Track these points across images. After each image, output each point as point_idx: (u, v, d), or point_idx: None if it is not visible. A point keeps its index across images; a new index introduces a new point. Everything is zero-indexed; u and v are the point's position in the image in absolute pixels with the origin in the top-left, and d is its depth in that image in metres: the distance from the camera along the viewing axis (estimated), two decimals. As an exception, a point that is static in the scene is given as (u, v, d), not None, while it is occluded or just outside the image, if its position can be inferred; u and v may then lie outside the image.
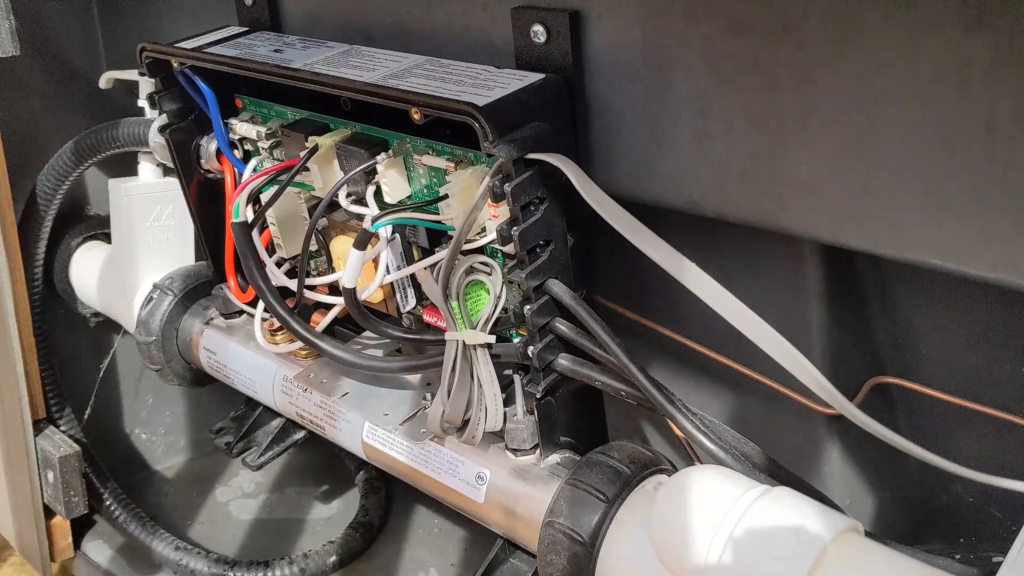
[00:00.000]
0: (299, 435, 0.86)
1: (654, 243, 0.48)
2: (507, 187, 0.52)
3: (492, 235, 0.57)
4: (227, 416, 0.90)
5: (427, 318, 0.70)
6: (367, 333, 0.76)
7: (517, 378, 0.62)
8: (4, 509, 0.96)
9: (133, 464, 1.10)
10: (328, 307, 0.71)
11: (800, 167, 0.50)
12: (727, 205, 0.54)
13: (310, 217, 0.73)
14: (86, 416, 1.02)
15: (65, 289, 0.99)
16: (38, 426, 0.94)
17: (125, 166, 0.91)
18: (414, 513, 1.01)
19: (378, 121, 0.66)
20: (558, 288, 0.56)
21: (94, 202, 1.01)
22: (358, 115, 0.69)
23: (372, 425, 0.69)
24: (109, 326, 1.02)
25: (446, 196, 0.59)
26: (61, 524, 0.96)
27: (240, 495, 1.09)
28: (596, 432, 0.66)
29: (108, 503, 0.97)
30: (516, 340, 0.60)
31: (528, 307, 0.56)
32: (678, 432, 0.57)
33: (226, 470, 1.12)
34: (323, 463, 1.09)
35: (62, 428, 0.97)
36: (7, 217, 0.89)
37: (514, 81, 0.56)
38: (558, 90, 0.56)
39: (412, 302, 0.69)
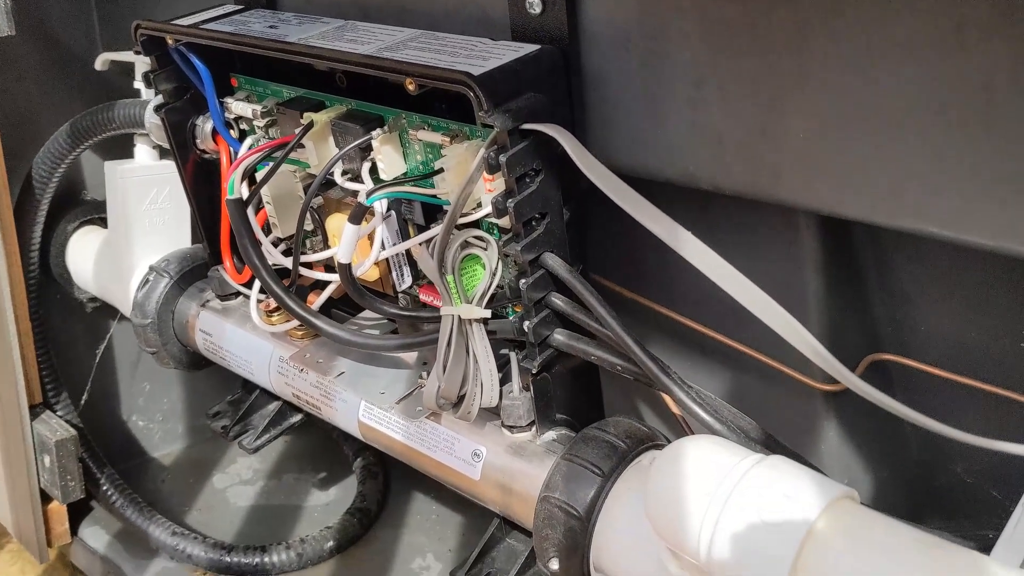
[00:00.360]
0: (296, 418, 0.86)
1: (651, 214, 0.48)
2: (502, 158, 0.52)
3: (487, 208, 0.56)
4: (224, 400, 0.90)
5: (423, 297, 0.70)
6: (364, 313, 0.76)
7: (513, 354, 0.62)
8: (0, 495, 0.95)
9: (130, 450, 1.10)
10: (324, 286, 0.71)
11: (796, 136, 0.50)
12: (722, 177, 0.53)
13: (305, 195, 0.73)
14: (83, 402, 1.02)
15: (61, 274, 0.99)
16: (34, 411, 0.94)
17: (121, 149, 0.91)
18: (412, 499, 1.01)
19: (373, 98, 0.65)
20: (554, 261, 0.56)
21: (90, 186, 1.00)
22: (353, 91, 0.68)
23: (368, 404, 0.68)
24: (106, 311, 1.02)
25: (441, 170, 0.58)
26: (58, 509, 0.96)
27: (238, 481, 1.08)
28: (592, 409, 0.66)
29: (105, 488, 0.97)
30: (512, 316, 0.60)
31: (524, 281, 0.56)
32: (674, 407, 0.57)
33: (224, 456, 1.12)
34: (321, 449, 1.09)
35: (59, 413, 0.97)
36: (3, 201, 0.88)
37: (509, 52, 0.56)
38: (553, 61, 0.56)
39: (408, 280, 0.69)
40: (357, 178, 0.65)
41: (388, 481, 1.04)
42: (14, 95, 0.92)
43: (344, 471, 1.07)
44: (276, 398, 0.85)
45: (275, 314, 0.77)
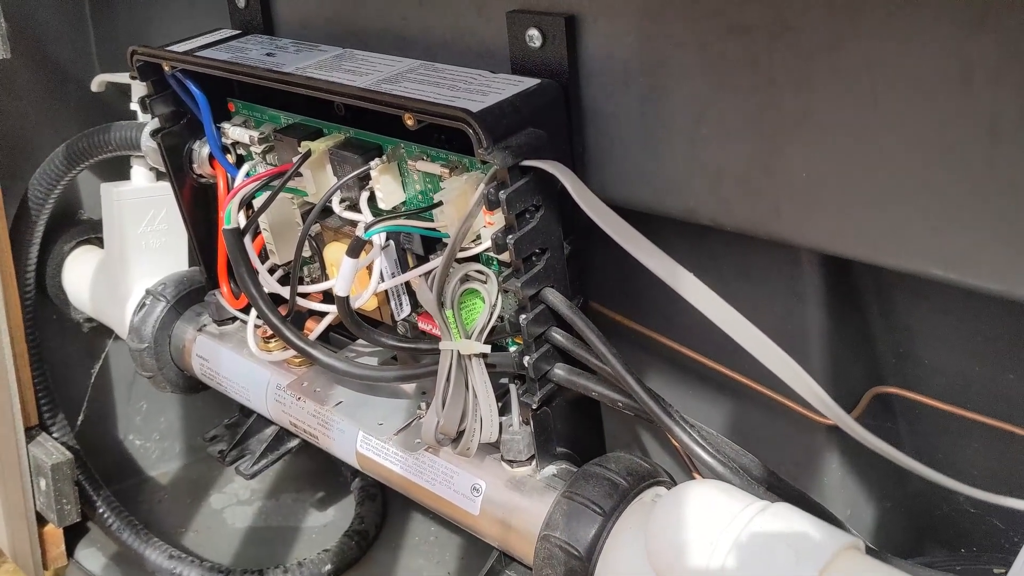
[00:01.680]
0: (293, 443, 0.85)
1: (649, 251, 0.47)
2: (502, 195, 0.51)
3: (487, 243, 0.56)
4: (221, 423, 0.89)
5: (422, 325, 0.69)
6: (362, 341, 0.75)
7: (513, 388, 0.61)
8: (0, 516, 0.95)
9: (126, 470, 1.09)
10: (322, 314, 0.70)
11: (797, 173, 0.49)
12: (722, 213, 0.53)
13: (303, 223, 0.72)
14: (79, 422, 1.01)
15: (57, 294, 0.98)
16: (30, 433, 0.93)
17: (118, 170, 0.90)
18: (410, 520, 1.01)
19: (372, 126, 0.65)
20: (554, 297, 0.55)
21: (87, 206, 1.00)
22: (352, 120, 0.68)
23: (366, 435, 0.68)
24: (102, 331, 1.01)
25: (440, 203, 0.58)
26: (54, 532, 0.95)
27: (235, 502, 1.08)
28: (593, 442, 0.65)
29: (101, 511, 0.96)
30: (512, 349, 0.59)
31: (524, 316, 0.55)
32: (676, 444, 0.56)
33: (221, 476, 1.11)
34: (319, 470, 1.08)
35: (54, 435, 0.96)
36: (-1, 223, 0.88)
37: (509, 86, 0.55)
38: (553, 95, 0.55)
39: (407, 310, 0.68)
40: (355, 207, 0.64)
41: (386, 503, 1.03)
42: (10, 116, 0.92)
43: (342, 492, 1.06)
44: (274, 422, 0.85)
45: (272, 340, 0.76)
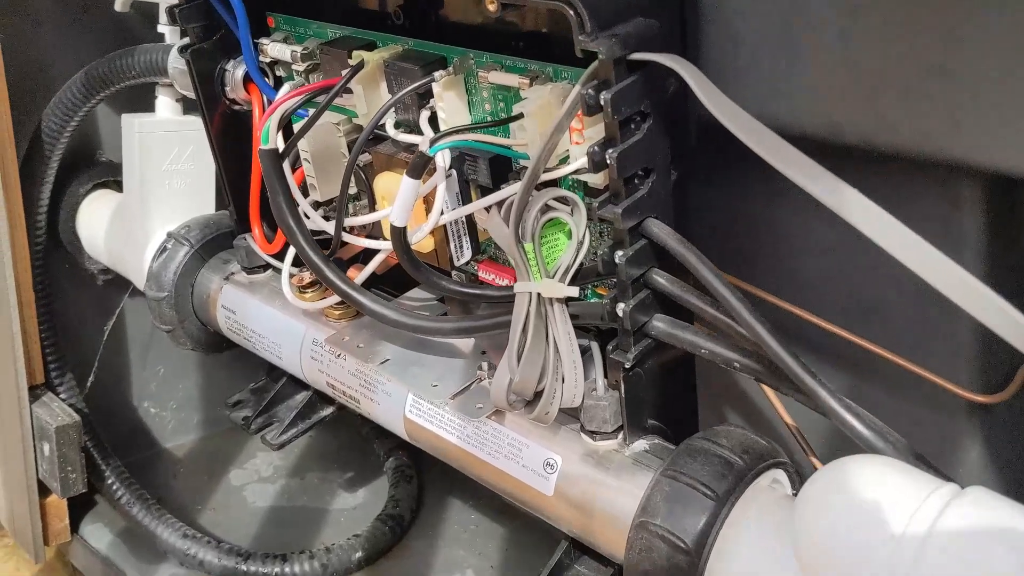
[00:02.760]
0: (327, 411, 0.76)
1: (803, 165, 0.37)
2: (604, 95, 0.42)
3: (578, 162, 0.46)
4: (246, 388, 0.80)
5: (483, 275, 0.59)
6: (414, 293, 0.65)
7: (595, 345, 0.52)
8: (-4, 483, 0.86)
9: (139, 440, 1.00)
10: (368, 259, 0.60)
11: (983, 76, 0.39)
12: (880, 129, 0.43)
13: (350, 151, 0.63)
14: (89, 384, 0.92)
15: (71, 241, 0.89)
16: (34, 392, 0.84)
17: (141, 103, 0.81)
18: (449, 506, 0.91)
19: (434, 37, 0.55)
20: (659, 229, 0.45)
21: (107, 146, 0.91)
22: (412, 31, 0.58)
23: (417, 398, 0.58)
24: (118, 284, 0.92)
25: (520, 116, 0.48)
26: (57, 503, 0.86)
27: (256, 479, 0.99)
28: (686, 415, 0.55)
29: (110, 482, 0.87)
30: (593, 298, 0.49)
31: (620, 253, 0.45)
32: (786, 416, 0.46)
33: (242, 451, 1.02)
34: (349, 446, 0.99)
35: (61, 396, 0.87)
36: (7, 156, 0.79)
37: (613, -32, 0.45)
38: (669, -20, 0.45)
39: (468, 254, 0.58)
40: (414, 130, 0.55)
41: (423, 485, 0.93)
42: (25, 40, 0.82)
43: (374, 472, 0.96)
44: (304, 387, 0.75)
45: (309, 290, 0.67)
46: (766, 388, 0.54)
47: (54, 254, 0.89)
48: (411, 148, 0.57)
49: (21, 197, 0.81)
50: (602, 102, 0.42)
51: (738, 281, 0.57)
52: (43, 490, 0.86)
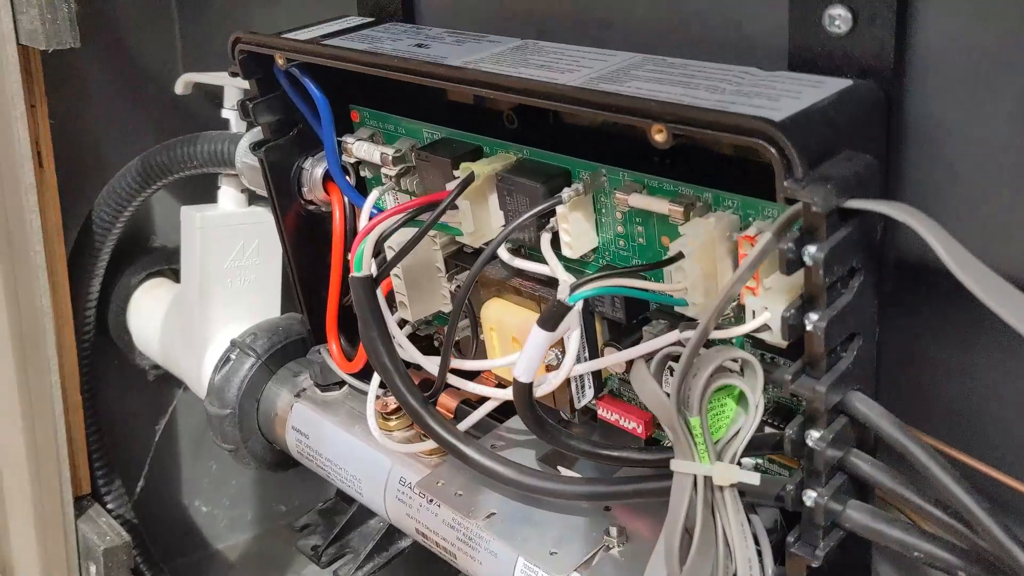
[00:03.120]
0: (407, 542, 0.67)
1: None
2: (813, 252, 0.33)
3: (756, 321, 0.37)
4: (314, 508, 0.72)
5: (602, 413, 0.51)
6: (515, 423, 0.57)
7: (757, 520, 0.43)
8: (36, 604, 0.78)
9: (190, 542, 0.93)
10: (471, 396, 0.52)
11: None
12: None
13: (447, 268, 0.55)
14: (138, 489, 0.85)
15: (121, 336, 0.82)
16: (80, 504, 0.77)
17: (201, 192, 0.74)
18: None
19: (548, 144, 0.47)
20: (867, 408, 0.36)
21: (160, 231, 0.84)
22: (524, 136, 0.51)
23: (531, 565, 0.49)
24: (169, 380, 0.85)
25: (679, 256, 0.39)
26: (103, 628, 0.78)
27: (316, 588, 0.90)
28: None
29: (161, 603, 0.79)
30: (786, 477, 0.41)
31: (818, 435, 0.37)
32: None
33: (299, 553, 0.93)
34: (421, 558, 0.90)
35: (109, 507, 0.80)
36: (56, 248, 0.72)
37: (806, 89, 0.37)
38: (873, 103, 0.37)
39: (590, 394, 0.50)
40: (528, 254, 0.47)
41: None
42: (77, 120, 0.76)
43: (445, 583, 0.88)
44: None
45: (394, 416, 0.59)
46: None
47: (103, 350, 0.82)
48: (523, 273, 0.49)
49: (69, 293, 0.74)
50: (807, 260, 0.33)
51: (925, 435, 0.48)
52: (87, 612, 0.78)
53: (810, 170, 0.33)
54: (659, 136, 0.36)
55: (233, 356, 0.67)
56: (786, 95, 0.36)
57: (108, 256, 0.78)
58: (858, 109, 0.36)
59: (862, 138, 0.36)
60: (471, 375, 0.52)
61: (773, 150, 0.32)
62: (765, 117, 0.33)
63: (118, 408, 0.84)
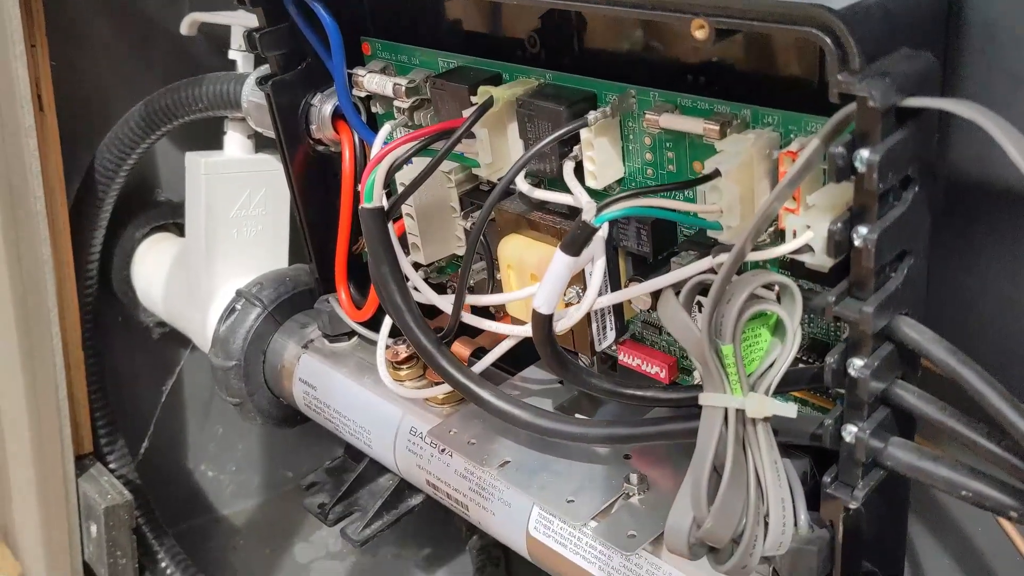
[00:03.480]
0: (417, 499, 0.65)
1: None
2: (867, 155, 0.30)
3: (798, 240, 0.35)
4: (320, 467, 0.69)
5: (624, 359, 0.48)
6: (531, 372, 0.54)
7: (789, 464, 0.40)
8: (38, 565, 0.76)
9: (196, 507, 0.91)
10: (486, 336, 0.50)
11: None
12: None
13: (462, 207, 0.52)
14: (143, 449, 0.83)
15: (125, 291, 0.80)
16: (82, 463, 0.75)
17: (208, 138, 0.71)
18: (544, 597, 0.79)
19: (575, 69, 0.45)
20: (916, 332, 0.34)
21: (166, 184, 0.81)
22: (547, 61, 0.48)
23: (546, 514, 0.47)
24: (176, 338, 0.83)
25: (716, 174, 0.37)
26: (104, 589, 0.76)
27: (324, 554, 0.89)
28: (898, 550, 0.43)
29: (164, 565, 0.78)
30: (789, 405, 0.38)
31: (861, 362, 0.34)
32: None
33: (307, 520, 0.92)
34: (428, 520, 0.88)
35: (111, 466, 0.78)
36: (57, 198, 0.70)
37: (856, -16, 0.34)
38: (935, 1, 0.34)
39: (612, 336, 0.47)
40: (550, 184, 0.44)
41: (511, 567, 0.82)
42: (79, 67, 0.74)
43: (456, 550, 0.86)
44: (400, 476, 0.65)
45: (406, 366, 0.56)
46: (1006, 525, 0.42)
47: (106, 306, 0.80)
48: (544, 206, 0.47)
49: (71, 244, 0.72)
50: (859, 165, 0.30)
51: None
52: (88, 572, 0.76)
53: (867, 64, 0.30)
54: (700, 33, 0.33)
55: (238, 306, 0.64)
56: (835, -10, 0.33)
57: (111, 207, 0.75)
58: (918, 5, 0.33)
59: (922, 37, 0.33)
60: (487, 317, 0.49)
61: (828, 40, 0.30)
62: (820, 3, 0.30)
63: (122, 366, 0.82)
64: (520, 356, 0.52)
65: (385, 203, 0.47)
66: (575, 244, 0.38)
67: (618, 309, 0.47)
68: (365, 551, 0.87)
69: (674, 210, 0.38)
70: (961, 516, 0.50)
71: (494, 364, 0.51)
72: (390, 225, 0.47)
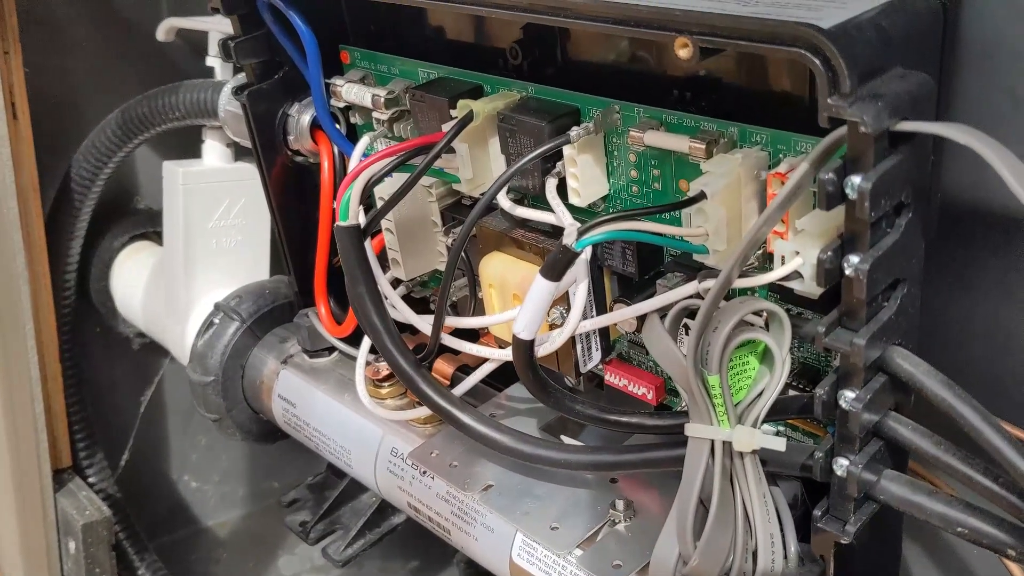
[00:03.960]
0: (400, 518, 0.64)
1: None
2: (858, 183, 0.29)
3: (786, 267, 0.33)
4: (303, 482, 0.68)
5: (610, 378, 0.47)
6: (516, 391, 0.53)
7: (778, 493, 0.39)
8: (14, 581, 0.75)
9: (178, 519, 0.90)
10: (468, 359, 0.48)
11: None
12: None
13: (444, 222, 0.50)
14: (123, 462, 0.81)
15: (103, 302, 0.78)
16: (60, 477, 0.73)
17: (185, 145, 0.70)
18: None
19: (557, 82, 0.43)
20: (910, 365, 0.32)
21: (146, 192, 0.80)
22: (529, 73, 0.46)
23: (529, 541, 0.45)
24: (156, 348, 0.81)
25: (701, 196, 0.35)
26: (83, 606, 0.75)
27: (309, 568, 0.87)
28: (891, 581, 0.42)
29: (144, 581, 0.76)
30: (812, 443, 0.37)
31: (853, 395, 0.32)
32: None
33: (292, 533, 0.90)
34: (415, 533, 0.86)
35: (90, 480, 0.76)
36: (32, 208, 0.68)
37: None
38: (930, 17, 0.32)
39: (597, 357, 0.46)
40: (532, 201, 0.43)
41: (499, 582, 0.81)
42: (54, 73, 0.72)
43: (442, 563, 0.84)
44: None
45: (387, 384, 0.54)
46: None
47: (84, 316, 0.78)
48: (527, 223, 0.45)
49: (46, 254, 0.70)
50: (850, 192, 0.29)
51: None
52: (68, 589, 0.75)
53: (858, 86, 0.28)
54: (683, 51, 0.31)
55: (216, 320, 0.63)
56: (829, 5, 0.31)
57: (89, 216, 0.74)
58: (912, 22, 0.31)
59: (916, 55, 0.31)
60: (469, 339, 0.48)
61: (817, 61, 0.28)
62: (809, 23, 0.29)
63: (101, 378, 0.80)
64: (508, 371, 0.51)
65: (362, 219, 0.45)
66: (556, 269, 0.36)
67: (603, 330, 0.45)
68: (350, 565, 0.86)
69: (658, 234, 0.36)
70: (957, 542, 0.49)
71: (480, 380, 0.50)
72: (367, 243, 0.46)
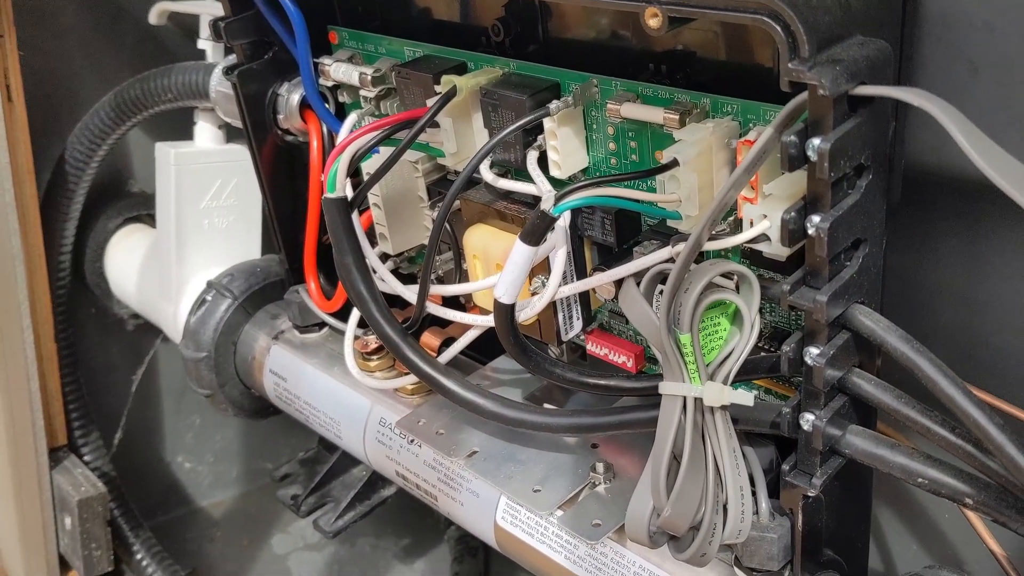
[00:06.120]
0: (389, 490, 0.65)
1: None
2: (818, 144, 0.30)
3: (754, 230, 0.35)
4: (294, 458, 0.69)
5: (591, 348, 0.48)
6: (502, 363, 0.54)
7: (751, 452, 0.40)
8: (15, 558, 0.76)
9: (172, 499, 0.91)
10: (453, 326, 0.50)
11: None
12: None
13: (430, 196, 0.52)
14: (117, 440, 0.82)
15: (98, 283, 0.79)
16: (56, 455, 0.75)
17: (178, 128, 0.71)
18: (520, 586, 0.80)
19: (539, 58, 0.45)
20: (871, 321, 0.34)
21: (139, 175, 0.81)
22: (512, 50, 0.48)
23: (512, 504, 0.47)
24: (150, 328, 0.82)
25: (674, 163, 0.37)
26: (79, 582, 0.76)
27: (302, 546, 0.88)
28: (861, 539, 0.43)
29: (139, 557, 0.77)
30: (751, 393, 0.38)
31: (817, 351, 0.34)
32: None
33: (285, 511, 0.91)
34: (406, 510, 0.88)
35: (86, 458, 0.77)
36: (27, 190, 0.69)
37: (812, -29, 0.34)
38: (889, -11, 0.34)
39: (579, 326, 0.47)
40: (516, 174, 0.44)
41: (489, 558, 0.82)
42: (48, 57, 0.73)
43: (434, 539, 0.86)
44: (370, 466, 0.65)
45: (376, 357, 0.56)
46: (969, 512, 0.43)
47: (79, 298, 0.79)
48: (510, 196, 0.46)
49: (42, 236, 0.71)
50: (811, 153, 0.30)
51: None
52: (64, 565, 0.76)
53: (818, 52, 0.30)
54: (653, 21, 0.33)
55: (209, 297, 0.64)
56: (789, -22, 0.33)
57: (83, 198, 0.75)
58: (869, -6, 0.33)
59: (876, 24, 0.33)
60: (457, 307, 0.49)
61: (778, 27, 0.29)
62: (768, -7, 0.30)
63: (97, 358, 0.82)
64: (494, 345, 0.52)
65: (349, 193, 0.47)
66: (534, 234, 0.38)
67: (584, 299, 0.47)
68: (343, 542, 0.87)
69: (633, 199, 0.37)
70: (928, 502, 0.50)
71: (466, 354, 0.51)
72: (354, 215, 0.47)
